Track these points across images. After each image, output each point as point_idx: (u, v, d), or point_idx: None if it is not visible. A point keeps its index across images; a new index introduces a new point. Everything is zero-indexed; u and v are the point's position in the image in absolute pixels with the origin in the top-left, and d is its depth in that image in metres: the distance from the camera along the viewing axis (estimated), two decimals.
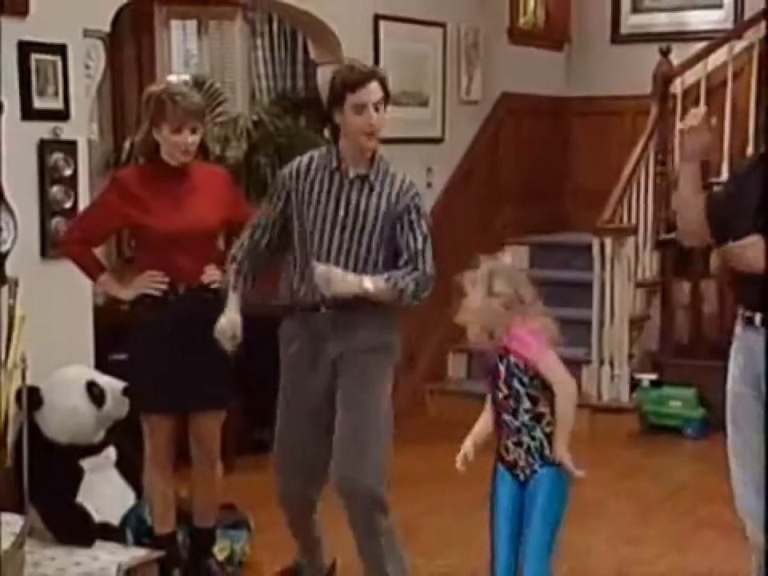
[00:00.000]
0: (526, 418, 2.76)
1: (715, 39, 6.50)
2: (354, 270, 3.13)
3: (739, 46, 6.43)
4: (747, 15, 6.67)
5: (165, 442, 3.45)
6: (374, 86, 3.15)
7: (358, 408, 3.15)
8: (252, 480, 4.17)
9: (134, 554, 3.55)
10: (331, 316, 3.16)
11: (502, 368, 2.77)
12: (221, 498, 3.67)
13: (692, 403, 5.61)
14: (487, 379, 2.85)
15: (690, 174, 2.98)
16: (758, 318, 2.85)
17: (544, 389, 2.76)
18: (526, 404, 2.76)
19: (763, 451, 2.86)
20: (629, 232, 6.08)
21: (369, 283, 3.04)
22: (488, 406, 2.88)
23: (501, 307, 2.75)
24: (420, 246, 3.15)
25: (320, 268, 3.05)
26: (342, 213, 3.17)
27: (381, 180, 3.20)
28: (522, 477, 2.79)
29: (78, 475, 3.74)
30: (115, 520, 3.74)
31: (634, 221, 6.19)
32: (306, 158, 3.27)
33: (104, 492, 3.76)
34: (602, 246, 5.92)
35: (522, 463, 2.78)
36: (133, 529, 3.73)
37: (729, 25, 6.79)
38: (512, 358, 2.76)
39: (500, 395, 2.79)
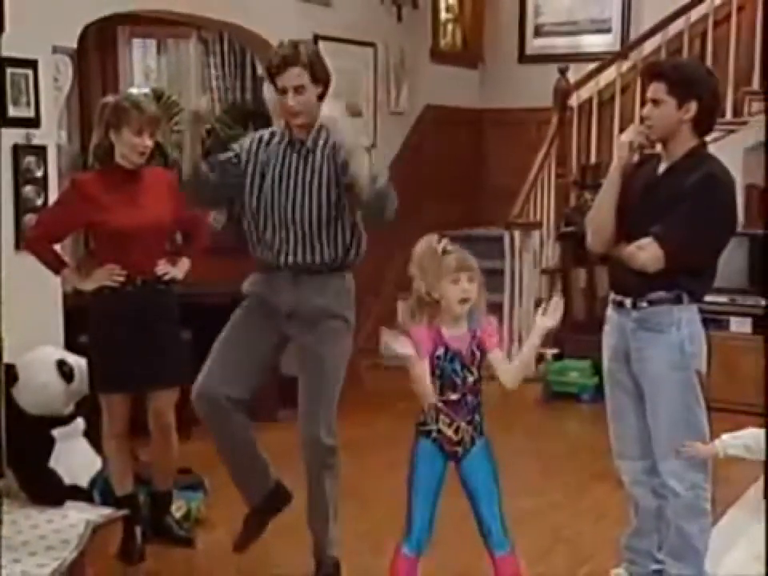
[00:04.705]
0: (480, 397, 2.68)
1: (605, 60, 6.55)
2: (310, 235, 2.95)
3: (625, 65, 6.48)
4: (632, 38, 6.74)
5: (121, 418, 3.38)
6: (294, 71, 2.83)
7: (318, 368, 3.01)
8: (207, 447, 4.06)
9: (101, 512, 3.47)
10: (289, 275, 3.01)
11: (478, 354, 2.64)
12: (177, 463, 3.62)
13: (587, 373, 5.66)
14: (447, 365, 2.63)
15: (614, 188, 2.80)
16: (627, 301, 2.83)
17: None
18: (481, 386, 2.68)
19: (632, 412, 2.92)
20: (534, 226, 6.12)
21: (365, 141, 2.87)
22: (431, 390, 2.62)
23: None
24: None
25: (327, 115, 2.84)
26: (291, 181, 2.95)
27: (320, 143, 2.95)
28: (460, 452, 2.65)
29: (49, 443, 3.65)
30: (84, 483, 3.66)
31: (539, 216, 6.22)
32: (267, 133, 3.04)
33: (73, 458, 3.67)
34: (512, 239, 5.95)
35: (467, 439, 2.64)
36: (100, 490, 3.65)
37: (616, 47, 6.84)
38: (481, 346, 2.65)
39: (471, 379, 2.63)
